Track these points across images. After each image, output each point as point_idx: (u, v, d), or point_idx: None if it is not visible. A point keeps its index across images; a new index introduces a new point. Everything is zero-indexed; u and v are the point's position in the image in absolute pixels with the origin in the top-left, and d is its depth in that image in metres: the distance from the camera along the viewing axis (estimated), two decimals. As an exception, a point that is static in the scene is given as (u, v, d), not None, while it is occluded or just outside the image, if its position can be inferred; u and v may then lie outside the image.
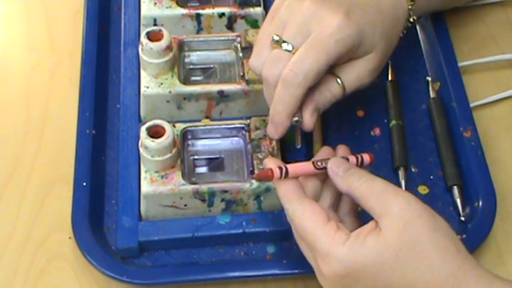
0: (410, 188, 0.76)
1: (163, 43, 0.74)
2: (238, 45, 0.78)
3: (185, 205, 0.71)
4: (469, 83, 0.82)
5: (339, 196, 0.67)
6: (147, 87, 0.75)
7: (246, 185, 0.70)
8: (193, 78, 0.78)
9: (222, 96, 0.75)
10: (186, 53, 0.79)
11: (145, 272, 0.70)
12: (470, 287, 0.58)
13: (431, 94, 0.82)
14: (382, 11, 0.70)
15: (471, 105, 0.80)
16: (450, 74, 0.82)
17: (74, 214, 0.72)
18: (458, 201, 0.75)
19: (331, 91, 0.69)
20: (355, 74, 0.69)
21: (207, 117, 0.77)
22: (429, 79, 0.83)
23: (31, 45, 0.87)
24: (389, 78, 0.83)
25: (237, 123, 0.74)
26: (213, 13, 0.82)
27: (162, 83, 0.75)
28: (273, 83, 0.67)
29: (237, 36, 0.79)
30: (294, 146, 0.72)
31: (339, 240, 0.59)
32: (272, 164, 0.64)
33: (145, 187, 0.70)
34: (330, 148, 0.68)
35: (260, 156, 0.70)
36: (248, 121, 0.74)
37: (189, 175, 0.72)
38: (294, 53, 0.66)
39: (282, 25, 0.68)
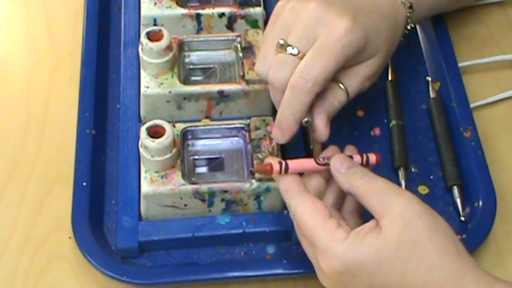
0: (410, 188, 0.76)
1: (163, 43, 0.74)
2: (238, 45, 0.78)
3: (185, 205, 0.71)
4: (469, 83, 0.82)
5: (342, 195, 0.67)
6: (147, 87, 0.75)
7: (246, 185, 0.70)
8: (193, 78, 0.78)
9: (222, 96, 0.75)
10: (186, 53, 0.79)
11: (145, 272, 0.70)
12: None
13: (431, 94, 0.82)
14: (383, 17, 0.70)
15: (471, 105, 0.80)
16: (450, 74, 0.82)
17: (74, 214, 0.72)
18: (458, 201, 0.75)
19: (337, 98, 0.68)
20: (357, 79, 0.69)
21: (207, 117, 0.77)
22: (429, 79, 0.83)
23: (31, 45, 0.87)
24: (390, 78, 0.83)
25: (237, 123, 0.74)
26: (213, 13, 0.81)
27: (162, 83, 0.75)
28: (279, 87, 0.67)
29: (237, 36, 0.79)
30: (294, 146, 0.72)
31: (338, 237, 0.59)
32: (273, 160, 0.65)
33: (145, 187, 0.70)
34: (336, 147, 0.68)
35: (260, 156, 0.70)
36: (248, 121, 0.74)
37: (189, 175, 0.72)
38: (300, 57, 0.65)
39: (286, 28, 0.67)
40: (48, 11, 0.90)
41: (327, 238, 0.60)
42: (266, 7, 0.84)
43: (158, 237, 0.70)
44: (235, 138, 0.74)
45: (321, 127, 0.68)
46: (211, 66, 0.79)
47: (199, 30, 0.82)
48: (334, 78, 0.67)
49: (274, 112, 0.70)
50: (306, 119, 0.67)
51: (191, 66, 0.79)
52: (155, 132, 0.69)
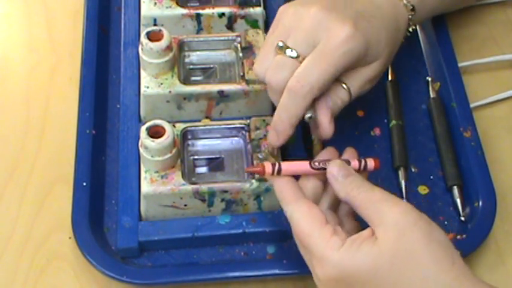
0: (410, 188, 0.76)
1: (163, 43, 0.74)
2: (238, 45, 0.78)
3: (185, 205, 0.71)
4: (469, 83, 0.82)
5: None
6: (147, 87, 0.75)
7: (246, 185, 0.70)
8: (193, 78, 0.78)
9: (222, 96, 0.75)
10: (186, 53, 0.79)
11: (145, 272, 0.70)
12: None
13: (431, 94, 0.82)
14: (385, 20, 0.70)
15: (471, 105, 0.80)
16: (450, 74, 0.82)
17: (74, 214, 0.72)
18: (458, 201, 0.75)
19: (340, 97, 0.68)
20: (359, 81, 0.69)
21: (207, 117, 0.77)
22: (429, 79, 0.83)
23: (31, 45, 0.87)
24: (390, 78, 0.83)
25: (237, 123, 0.74)
26: (213, 13, 0.81)
27: (162, 83, 0.75)
28: (277, 89, 0.67)
29: (237, 36, 0.79)
30: (294, 147, 0.72)
31: (334, 244, 0.59)
32: (274, 161, 0.65)
33: (145, 187, 0.70)
34: (334, 149, 0.68)
35: (260, 156, 0.70)
36: (248, 121, 0.74)
37: (189, 175, 0.72)
38: (298, 60, 0.65)
39: (286, 32, 0.67)
40: (48, 11, 0.90)
41: (322, 245, 0.60)
42: (266, 7, 0.84)
43: (158, 237, 0.70)
44: (235, 138, 0.74)
45: (325, 123, 0.67)
46: (211, 66, 0.79)
47: (199, 30, 0.82)
48: (337, 79, 0.68)
49: (274, 112, 0.70)
50: (309, 115, 0.67)
51: (191, 66, 0.79)
52: (155, 132, 0.69)
